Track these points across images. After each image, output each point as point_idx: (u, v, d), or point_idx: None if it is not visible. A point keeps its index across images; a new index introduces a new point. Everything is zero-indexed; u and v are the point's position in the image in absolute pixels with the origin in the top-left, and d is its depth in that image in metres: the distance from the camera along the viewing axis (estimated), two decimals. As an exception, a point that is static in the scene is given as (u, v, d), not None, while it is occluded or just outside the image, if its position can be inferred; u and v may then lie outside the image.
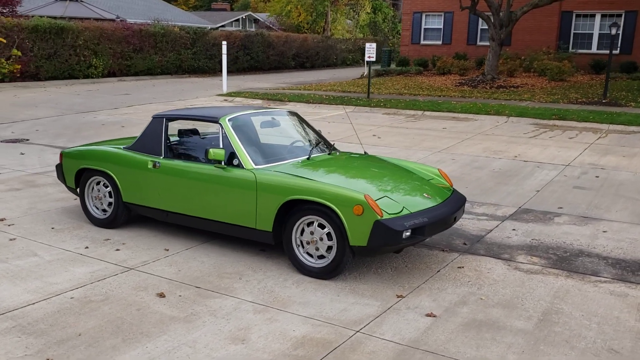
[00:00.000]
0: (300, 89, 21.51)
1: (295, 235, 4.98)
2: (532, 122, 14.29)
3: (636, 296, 4.71)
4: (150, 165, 5.68)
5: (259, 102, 18.30)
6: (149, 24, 26.54)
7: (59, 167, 6.42)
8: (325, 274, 4.88)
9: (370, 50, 17.12)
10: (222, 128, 5.42)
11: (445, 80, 23.01)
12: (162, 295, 4.51)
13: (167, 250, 5.53)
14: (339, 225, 4.70)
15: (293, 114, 6.35)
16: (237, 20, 57.73)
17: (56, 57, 22.21)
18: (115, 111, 15.55)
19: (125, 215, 6.02)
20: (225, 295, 4.55)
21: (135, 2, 41.42)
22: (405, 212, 4.76)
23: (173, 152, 5.85)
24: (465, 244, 5.93)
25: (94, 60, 23.52)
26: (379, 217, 4.56)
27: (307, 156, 5.55)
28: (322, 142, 6.01)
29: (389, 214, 4.66)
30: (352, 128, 13.37)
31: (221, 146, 5.36)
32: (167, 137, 5.79)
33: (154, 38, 25.96)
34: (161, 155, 5.71)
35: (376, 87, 20.99)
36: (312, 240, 4.90)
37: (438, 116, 15.35)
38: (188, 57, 27.77)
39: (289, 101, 18.00)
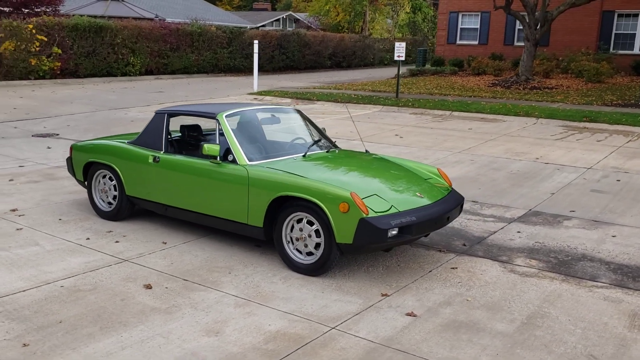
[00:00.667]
0: (330, 88, 21.54)
1: (286, 232, 5.01)
2: (561, 124, 13.96)
3: (630, 302, 4.56)
4: (150, 160, 5.79)
5: (287, 100, 18.39)
6: (186, 23, 26.98)
7: (69, 161, 6.61)
8: (312, 270, 4.89)
9: (400, 50, 17.01)
10: (218, 124, 5.48)
11: (479, 80, 22.68)
12: (149, 286, 4.60)
13: (165, 243, 5.63)
14: (326, 222, 4.70)
15: (295, 111, 6.38)
16: (278, 20, 58.16)
17: (95, 55, 22.80)
18: (146, 108, 15.85)
19: (129, 209, 6.15)
20: (210, 289, 4.61)
21: (177, 1, 42.16)
22: (392, 210, 4.73)
23: (174, 147, 5.95)
24: (464, 245, 5.85)
25: (132, 58, 24.04)
26: (364, 215, 4.54)
27: (304, 153, 5.57)
28: (321, 139, 6.02)
29: (376, 212, 4.63)
30: (376, 127, 13.32)
31: (217, 142, 5.42)
32: (168, 132, 5.89)
33: (190, 37, 26.38)
34: (162, 150, 5.82)
35: (407, 87, 20.83)
36: (301, 237, 4.92)
37: (466, 117, 15.15)
38: (224, 56, 28.12)
39: (318, 100, 18.04)
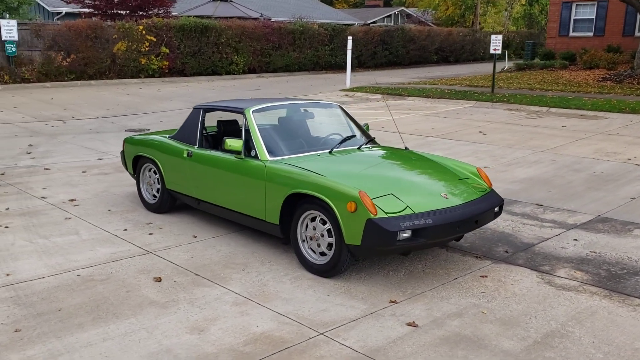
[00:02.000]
0: (426, 84, 20.95)
1: (301, 230, 4.86)
2: (672, 121, 12.58)
3: (677, 327, 3.95)
4: (185, 154, 5.86)
5: (377, 96, 18.12)
6: (289, 22, 27.41)
7: (122, 154, 6.87)
8: (324, 271, 4.70)
9: (496, 43, 16.15)
10: (245, 119, 5.43)
11: (588, 75, 21.04)
12: (158, 279, 4.64)
13: (195, 237, 5.67)
14: (336, 221, 4.49)
15: (335, 106, 6.18)
16: (389, 16, 57.65)
17: (200, 54, 23.77)
18: (236, 105, 16.24)
19: (171, 202, 6.28)
20: (216, 285, 4.56)
21: (287, 0, 43.02)
22: (407, 212, 4.42)
23: (209, 142, 5.98)
24: (507, 251, 5.39)
25: (235, 57, 24.80)
26: (372, 216, 4.28)
27: (330, 150, 5.37)
28: (356, 136, 5.78)
29: (387, 212, 4.35)
30: (461, 124, 12.74)
31: (243, 137, 5.37)
32: (203, 127, 5.93)
33: (292, 35, 26.77)
34: (196, 145, 5.87)
35: (508, 82, 19.79)
36: (314, 236, 4.75)
37: (563, 113, 14.09)
38: (325, 53, 28.28)
39: (409, 95, 17.60)
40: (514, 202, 6.96)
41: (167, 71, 23.12)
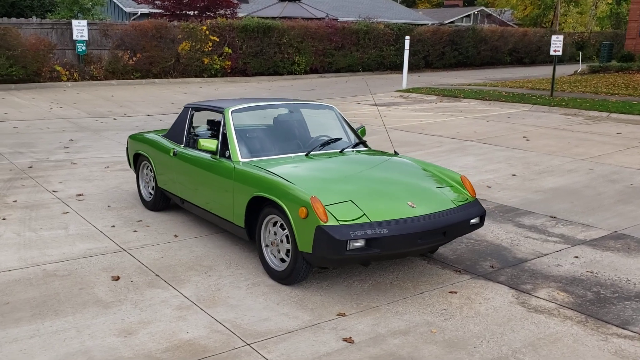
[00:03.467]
0: (487, 86, 20.17)
1: (264, 234, 4.71)
2: None
3: (646, 362, 3.50)
4: (171, 153, 5.85)
5: (432, 97, 17.63)
6: (353, 22, 27.23)
7: (127, 151, 6.96)
8: (282, 278, 4.53)
9: (557, 44, 15.29)
10: (224, 119, 5.34)
11: (667, 78, 19.56)
12: (116, 278, 4.62)
13: (177, 236, 5.64)
14: (291, 227, 4.32)
15: (328, 108, 5.97)
16: (468, 15, 56.26)
17: (262, 55, 24.02)
18: (285, 104, 16.25)
19: (164, 200, 6.29)
20: (170, 287, 4.49)
21: (360, 1, 42.80)
22: (363, 220, 4.17)
23: (194, 141, 5.93)
24: (493, 266, 5.01)
25: (297, 57, 24.89)
26: (322, 223, 4.07)
27: (306, 152, 5.19)
28: (341, 138, 5.55)
29: (339, 220, 4.13)
30: (508, 128, 12.14)
31: (220, 137, 5.28)
32: (190, 126, 5.90)
33: (356, 35, 26.57)
34: (182, 144, 5.84)
35: (572, 85, 18.72)
36: (274, 241, 4.59)
37: (624, 119, 13.14)
38: (390, 53, 27.89)
39: (464, 97, 17.00)
40: (527, 213, 6.50)
41: (229, 71, 23.51)
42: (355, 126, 6.09)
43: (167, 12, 25.23)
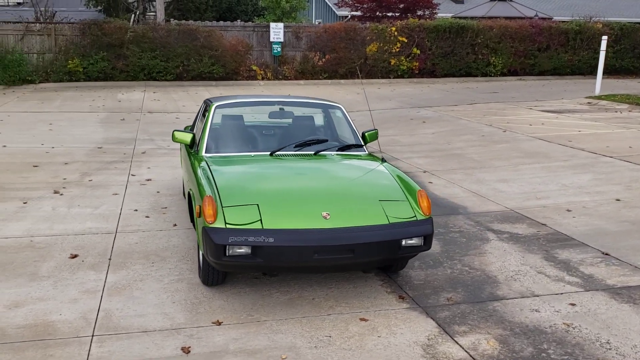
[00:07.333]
0: None
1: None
2: None
3: None
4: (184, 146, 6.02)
5: (624, 106, 15.24)
6: (563, 21, 24.77)
7: (184, 143, 7.33)
8: (202, 279, 4.39)
9: None
10: (207, 112, 5.33)
11: None
12: (73, 257, 4.93)
13: (175, 225, 5.80)
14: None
15: (335, 108, 5.58)
16: None
17: (453, 55, 23.14)
18: (445, 108, 15.51)
19: (192, 191, 6.50)
20: (103, 272, 4.63)
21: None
22: (255, 225, 3.85)
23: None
24: (449, 299, 4.26)
25: (493, 58, 23.48)
26: (207, 224, 3.87)
27: (270, 152, 4.92)
28: (327, 140, 5.15)
29: (228, 223, 3.87)
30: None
31: (201, 131, 5.29)
32: (195, 120, 6.00)
33: (565, 35, 24.09)
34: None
35: None
36: (202, 240, 4.47)
37: None
38: (608, 56, 24.70)
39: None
40: (578, 246, 5.34)
41: (417, 72, 23.13)
42: (366, 128, 5.61)
43: (366, 15, 25.72)
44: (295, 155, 4.93)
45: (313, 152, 5.01)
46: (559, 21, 25.38)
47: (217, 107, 5.35)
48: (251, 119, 5.58)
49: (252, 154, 4.96)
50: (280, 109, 5.59)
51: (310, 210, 4.01)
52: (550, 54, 24.26)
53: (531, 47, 23.94)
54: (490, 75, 23.85)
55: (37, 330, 3.71)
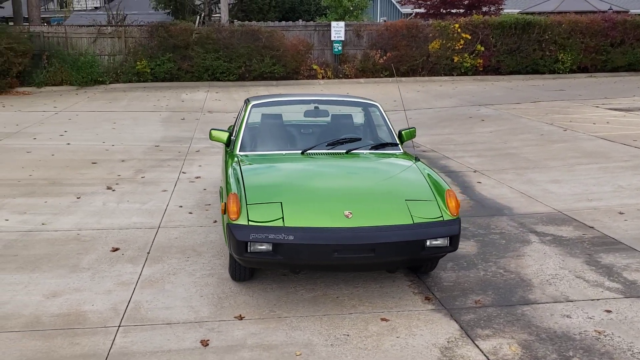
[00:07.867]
0: None
1: (233, 228, 4.71)
2: None
3: None
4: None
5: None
6: (639, 14, 23.56)
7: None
8: (231, 275, 4.47)
9: None
10: (244, 111, 5.42)
11: None
12: (114, 250, 5.14)
13: (215, 222, 5.94)
14: (228, 223, 4.26)
15: (370, 106, 5.54)
16: None
17: (518, 52, 22.44)
18: (506, 106, 15.08)
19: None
20: (140, 265, 4.80)
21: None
22: (277, 223, 3.89)
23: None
24: (477, 302, 4.15)
25: (561, 55, 22.63)
26: (231, 220, 3.94)
27: (302, 150, 4.94)
28: (360, 139, 5.12)
29: (250, 220, 3.92)
30: None
31: (236, 129, 5.37)
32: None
33: (641, 29, 22.93)
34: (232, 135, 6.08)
35: None
36: (232, 236, 4.56)
37: None
38: (692, 50, 23.34)
39: None
40: (626, 250, 5.11)
41: (481, 69, 22.59)
42: (403, 126, 5.55)
43: (431, 12, 25.37)
44: (326, 154, 4.94)
45: (345, 151, 5.00)
46: (636, 14, 24.17)
47: (253, 106, 5.43)
48: (290, 118, 5.62)
49: (284, 152, 5.00)
50: (315, 107, 5.61)
51: (333, 209, 4.01)
52: (624, 49, 23.13)
53: (603, 42, 22.90)
54: (559, 72, 22.98)
55: (68, 320, 3.89)
